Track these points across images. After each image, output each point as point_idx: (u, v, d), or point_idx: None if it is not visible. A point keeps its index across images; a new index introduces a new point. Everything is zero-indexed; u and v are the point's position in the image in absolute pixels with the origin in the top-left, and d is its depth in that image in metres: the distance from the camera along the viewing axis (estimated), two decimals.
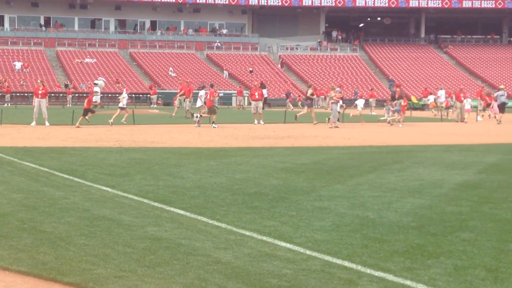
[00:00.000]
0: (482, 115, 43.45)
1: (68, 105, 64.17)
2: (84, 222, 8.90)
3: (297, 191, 11.73)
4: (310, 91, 35.80)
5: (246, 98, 67.83)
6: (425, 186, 12.35)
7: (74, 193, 11.30)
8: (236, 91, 69.08)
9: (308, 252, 7.44)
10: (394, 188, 12.02)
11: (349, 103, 55.26)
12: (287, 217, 9.34)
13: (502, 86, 43.98)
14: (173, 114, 39.73)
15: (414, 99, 66.75)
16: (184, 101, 39.98)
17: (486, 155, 18.60)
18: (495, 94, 42.07)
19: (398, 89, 37.63)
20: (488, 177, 13.74)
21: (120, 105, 33.19)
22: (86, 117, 30.74)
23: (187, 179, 13.06)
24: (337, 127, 31.87)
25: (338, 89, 40.82)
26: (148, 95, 68.04)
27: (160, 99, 68.10)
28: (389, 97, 41.58)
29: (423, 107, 62.55)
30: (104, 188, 11.91)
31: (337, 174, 14.04)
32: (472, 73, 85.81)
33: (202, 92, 34.45)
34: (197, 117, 31.95)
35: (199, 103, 33.96)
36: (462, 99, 40.78)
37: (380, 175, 13.98)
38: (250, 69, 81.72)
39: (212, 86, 34.56)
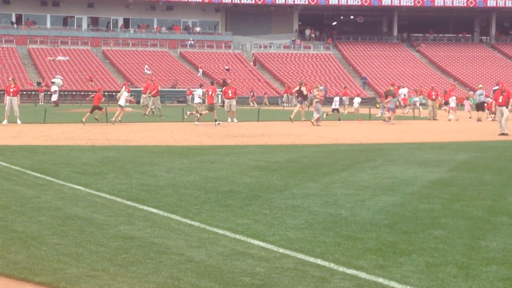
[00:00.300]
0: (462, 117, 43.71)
1: (40, 103, 63.72)
2: (56, 221, 8.85)
3: (270, 189, 11.74)
4: (303, 89, 36.67)
5: (220, 96, 67.83)
6: (397, 184, 12.41)
7: (46, 192, 11.22)
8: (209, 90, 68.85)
9: (281, 250, 7.45)
10: (367, 186, 12.07)
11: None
12: (260, 215, 9.34)
13: (480, 86, 44.52)
14: (146, 114, 39.45)
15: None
16: (149, 99, 39.65)
17: (458, 153, 18.73)
18: (474, 94, 42.38)
19: (392, 88, 38.89)
20: (459, 175, 13.85)
21: (120, 102, 32.89)
22: (96, 116, 30.74)
23: (160, 178, 13.03)
24: (319, 125, 32.02)
25: (322, 87, 41.06)
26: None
27: (133, 97, 67.75)
28: (382, 95, 42.43)
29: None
30: (76, 187, 11.84)
31: (310, 172, 14.07)
32: (444, 72, 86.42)
33: (199, 91, 34.59)
34: (197, 116, 32.35)
35: (197, 100, 34.13)
36: (434, 97, 41.05)
37: (353, 173, 14.03)
38: (227, 67, 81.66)
39: (212, 83, 34.97)
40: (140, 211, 9.63)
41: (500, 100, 26.62)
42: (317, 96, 33.33)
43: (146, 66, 78.92)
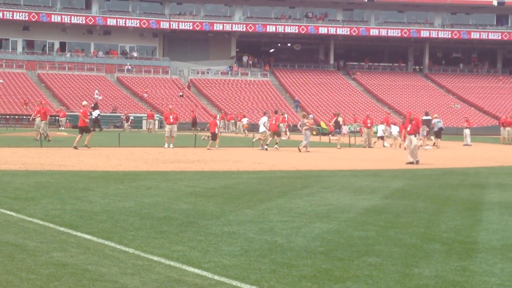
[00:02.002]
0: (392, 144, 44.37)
1: None
2: None
3: (206, 215, 11.70)
4: (340, 119, 40.97)
5: (157, 121, 67.52)
6: (333, 211, 12.49)
7: None
8: (146, 115, 68.62)
9: (216, 277, 7.41)
10: (302, 213, 12.12)
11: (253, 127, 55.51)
12: (195, 242, 9.29)
13: (436, 115, 45.75)
14: (37, 138, 37.31)
15: (323, 125, 67.65)
16: (39, 122, 37.87)
17: (392, 180, 18.97)
18: (432, 122, 43.06)
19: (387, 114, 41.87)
20: (394, 202, 14.01)
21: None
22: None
23: (95, 203, 12.86)
24: (308, 151, 33.40)
25: (311, 116, 43.00)
26: (57, 117, 66.86)
27: (68, 121, 67.01)
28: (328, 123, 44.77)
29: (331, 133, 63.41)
30: (8, 212, 11.59)
31: (246, 199, 14.06)
32: (379, 100, 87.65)
33: (264, 119, 38.10)
34: (261, 143, 35.52)
35: (262, 128, 37.90)
36: (369, 125, 41.59)
37: (289, 200, 14.08)
38: (181, 93, 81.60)
39: (276, 112, 38.40)
40: (73, 238, 9.48)
41: (409, 129, 26.26)
42: (307, 124, 35.49)
43: (96, 91, 78.33)
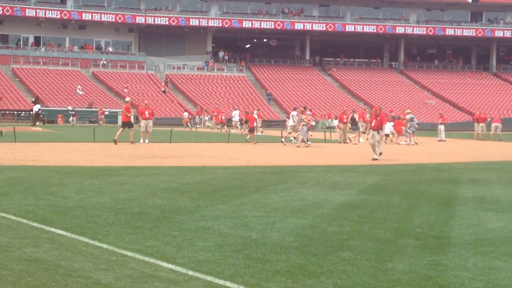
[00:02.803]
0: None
1: None
2: None
3: (181, 211, 11.67)
4: (356, 115, 41.87)
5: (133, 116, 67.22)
6: (308, 206, 12.51)
7: None
8: (121, 110, 68.30)
9: (190, 272, 7.39)
10: (277, 208, 12.13)
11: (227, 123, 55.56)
12: (170, 237, 9.26)
13: (408, 111, 45.94)
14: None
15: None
16: None
17: (367, 176, 19.04)
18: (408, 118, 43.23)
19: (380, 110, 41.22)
20: (368, 197, 14.07)
21: None
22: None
23: (69, 199, 12.79)
24: (307, 146, 34.51)
25: (309, 112, 43.19)
26: (31, 113, 66.44)
27: (42, 116, 66.64)
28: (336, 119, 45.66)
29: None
30: None
31: (221, 194, 14.05)
32: (355, 95, 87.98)
33: (294, 112, 38.62)
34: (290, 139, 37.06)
35: (291, 122, 38.18)
36: (345, 120, 41.72)
37: (264, 195, 14.08)
38: (163, 89, 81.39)
39: (305, 108, 39.13)
40: (46, 233, 9.42)
41: (373, 124, 25.61)
42: (305, 120, 35.91)
43: (79, 86, 77.93)
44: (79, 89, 77.56)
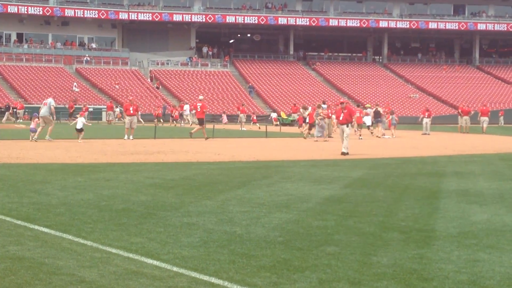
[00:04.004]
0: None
1: None
2: None
3: (166, 207, 11.65)
4: (380, 109, 42.81)
5: (116, 113, 67.03)
6: (292, 201, 12.52)
7: None
8: (105, 106, 68.12)
9: (175, 268, 7.38)
10: (262, 203, 12.13)
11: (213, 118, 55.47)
12: (154, 234, 9.24)
13: (368, 105, 46.12)
14: None
15: (283, 115, 67.84)
16: None
17: (352, 170, 19.08)
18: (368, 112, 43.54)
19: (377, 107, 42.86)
20: (353, 192, 14.09)
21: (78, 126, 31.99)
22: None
23: (53, 196, 12.74)
24: (326, 140, 35.94)
25: (325, 105, 44.02)
26: (15, 110, 66.12)
27: (27, 113, 66.33)
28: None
29: (292, 123, 63.56)
30: None
31: (206, 190, 14.04)
32: (339, 90, 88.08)
33: (324, 106, 40.25)
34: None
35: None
36: (330, 115, 41.73)
37: (249, 190, 14.08)
38: (156, 85, 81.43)
39: (323, 103, 41.82)
40: (30, 231, 9.37)
41: (341, 118, 25.27)
42: (321, 114, 37.13)
43: (75, 84, 77.71)
44: (75, 86, 77.42)
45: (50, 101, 32.67)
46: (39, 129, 31.21)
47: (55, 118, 33.25)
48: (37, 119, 31.73)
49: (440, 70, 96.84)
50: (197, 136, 34.88)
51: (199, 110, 36.62)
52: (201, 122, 36.21)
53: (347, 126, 25.02)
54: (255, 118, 60.75)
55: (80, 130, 31.50)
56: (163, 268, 7.39)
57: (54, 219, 10.25)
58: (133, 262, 7.66)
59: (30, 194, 12.95)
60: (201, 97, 39.73)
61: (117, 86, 79.06)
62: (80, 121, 32.10)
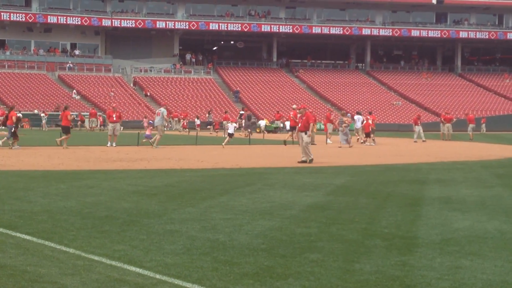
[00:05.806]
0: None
1: None
2: None
3: (149, 214, 11.62)
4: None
5: (98, 120, 66.76)
6: (275, 208, 12.52)
7: None
8: (88, 113, 67.87)
9: (158, 276, 7.36)
10: (245, 211, 12.12)
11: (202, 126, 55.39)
12: (137, 241, 9.22)
13: (343, 112, 46.65)
14: None
15: (266, 122, 67.86)
16: None
17: (335, 177, 19.11)
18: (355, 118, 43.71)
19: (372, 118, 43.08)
20: (336, 199, 14.11)
21: None
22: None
23: (35, 203, 12.67)
24: (351, 146, 37.05)
25: (349, 114, 45.44)
26: None
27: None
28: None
29: (275, 130, 63.59)
30: None
31: (189, 197, 14.02)
32: (322, 97, 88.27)
33: (361, 117, 42.32)
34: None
35: (358, 125, 41.93)
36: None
37: (232, 197, 14.07)
38: (146, 93, 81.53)
39: (370, 113, 42.70)
40: (12, 238, 9.33)
41: (299, 125, 24.75)
42: (346, 122, 38.74)
43: (74, 91, 77.49)
44: (74, 93, 77.30)
45: (163, 110, 34.20)
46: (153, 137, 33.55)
47: (168, 126, 35.53)
48: (151, 127, 33.98)
49: (421, 78, 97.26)
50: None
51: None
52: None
53: (305, 133, 24.36)
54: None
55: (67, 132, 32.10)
56: (146, 276, 7.38)
57: (36, 227, 10.20)
58: (116, 269, 7.64)
59: (12, 201, 12.88)
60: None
61: (112, 94, 78.86)
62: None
